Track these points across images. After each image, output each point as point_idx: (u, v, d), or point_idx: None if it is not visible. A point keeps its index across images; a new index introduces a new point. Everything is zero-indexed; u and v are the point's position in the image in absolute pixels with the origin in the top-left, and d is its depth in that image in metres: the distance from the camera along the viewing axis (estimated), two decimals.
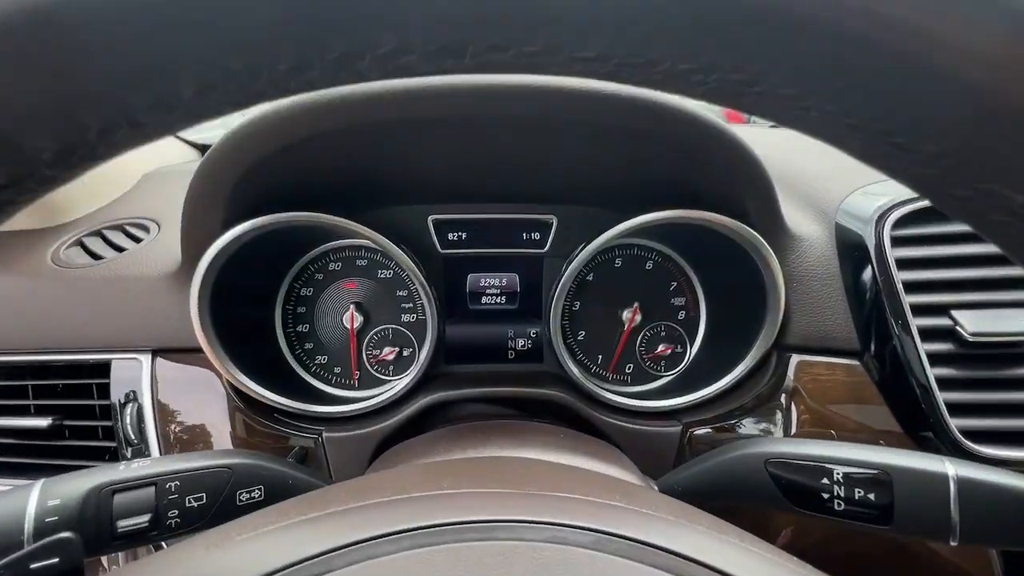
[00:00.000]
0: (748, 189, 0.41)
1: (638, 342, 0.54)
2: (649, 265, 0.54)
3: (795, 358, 0.43)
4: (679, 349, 0.54)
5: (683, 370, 0.54)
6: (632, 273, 0.54)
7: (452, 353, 0.55)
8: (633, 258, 0.54)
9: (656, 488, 0.36)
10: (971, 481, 0.27)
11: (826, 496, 0.30)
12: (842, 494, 0.29)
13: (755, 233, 0.41)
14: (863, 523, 0.29)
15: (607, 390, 0.50)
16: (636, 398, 0.50)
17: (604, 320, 0.54)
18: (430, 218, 0.52)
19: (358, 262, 0.53)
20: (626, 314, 0.53)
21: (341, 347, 0.53)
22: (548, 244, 0.53)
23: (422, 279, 0.47)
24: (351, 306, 0.52)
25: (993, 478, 0.26)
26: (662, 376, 0.54)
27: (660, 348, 0.54)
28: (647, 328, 0.54)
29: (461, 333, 0.55)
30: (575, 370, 0.50)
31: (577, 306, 0.54)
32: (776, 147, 0.54)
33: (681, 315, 0.54)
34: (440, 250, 0.53)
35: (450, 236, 0.54)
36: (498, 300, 0.55)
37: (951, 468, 0.27)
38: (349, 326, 0.52)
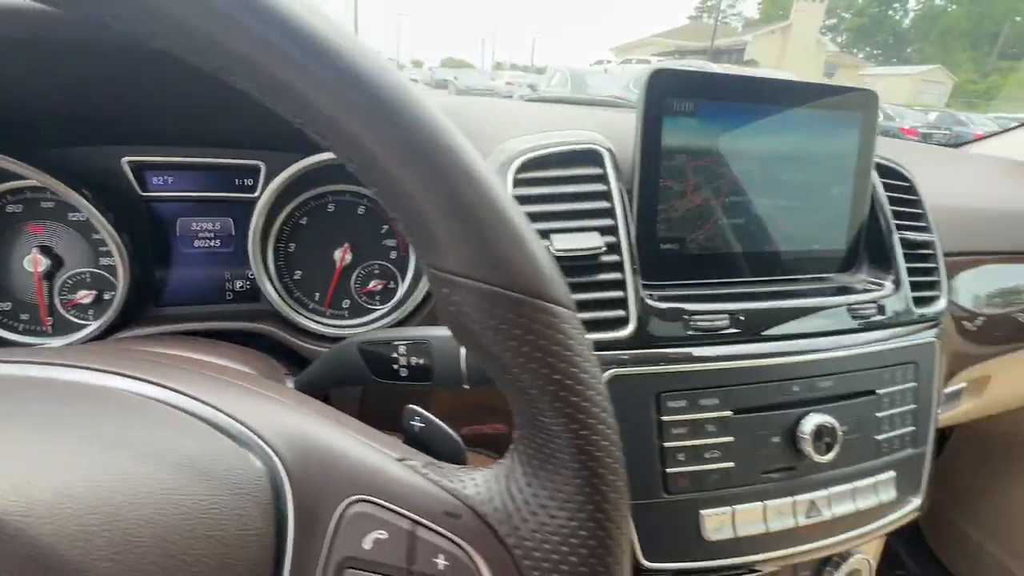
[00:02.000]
0: None
1: (352, 279, 0.60)
2: (361, 209, 0.60)
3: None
4: (391, 285, 0.61)
5: (395, 303, 0.61)
6: (344, 217, 0.59)
7: (167, 294, 0.57)
8: (345, 203, 0.59)
9: (292, 385, 0.42)
10: None
11: (395, 366, 0.38)
12: (403, 363, 0.37)
13: None
14: (418, 382, 0.37)
15: (315, 321, 0.56)
16: (347, 328, 0.56)
17: (319, 261, 0.59)
18: (124, 160, 0.53)
19: (43, 204, 0.52)
20: (337, 254, 0.58)
21: (26, 293, 0.52)
22: (259, 189, 0.57)
23: (104, 222, 0.48)
24: (34, 250, 0.51)
25: None
26: (376, 309, 0.61)
27: (372, 284, 0.60)
28: (360, 267, 0.60)
29: (174, 275, 0.57)
30: (285, 305, 0.55)
31: (292, 248, 0.58)
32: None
33: (392, 255, 0.61)
34: (140, 192, 0.54)
35: (155, 180, 0.55)
36: (212, 244, 0.58)
37: None
38: (32, 270, 0.51)
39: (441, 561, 0.22)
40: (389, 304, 0.60)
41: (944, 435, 1.45)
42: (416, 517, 0.22)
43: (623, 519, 0.23)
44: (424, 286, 0.54)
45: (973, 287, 0.72)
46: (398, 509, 0.22)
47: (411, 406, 0.29)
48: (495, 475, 0.24)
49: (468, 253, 0.20)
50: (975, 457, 1.37)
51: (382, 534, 0.22)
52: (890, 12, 54.13)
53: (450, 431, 0.28)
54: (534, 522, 0.22)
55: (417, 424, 0.28)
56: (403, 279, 0.61)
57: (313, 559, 0.22)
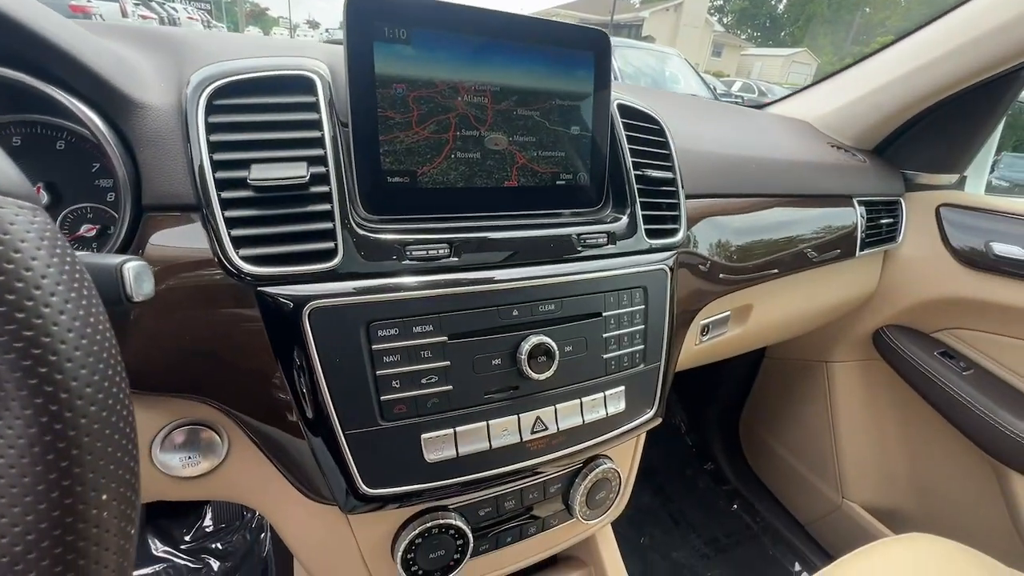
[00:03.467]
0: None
1: (57, 223, 0.53)
2: (60, 144, 0.53)
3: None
4: (110, 231, 0.55)
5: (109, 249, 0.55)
6: (39, 153, 0.52)
7: None
8: (37, 136, 0.52)
9: None
10: None
11: None
12: None
13: (60, 92, 0.43)
14: None
15: None
16: None
17: None
18: None
19: None
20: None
21: None
22: None
23: None
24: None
25: None
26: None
27: (83, 229, 0.54)
28: (67, 210, 0.53)
29: None
30: None
31: None
32: None
33: (110, 196, 0.55)
34: None
35: None
36: None
37: None
38: None
39: None
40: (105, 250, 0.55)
41: (756, 367, 1.66)
42: None
43: (103, 473, 0.20)
44: (150, 226, 0.49)
45: (715, 233, 0.80)
46: None
47: None
48: None
49: None
50: (778, 383, 1.59)
51: None
52: None
53: None
54: None
55: None
56: (124, 222, 0.55)
57: None
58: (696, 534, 1.58)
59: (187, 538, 1.33)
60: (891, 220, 1.15)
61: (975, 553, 0.91)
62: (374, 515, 0.55)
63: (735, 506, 1.68)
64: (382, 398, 0.47)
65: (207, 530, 1.34)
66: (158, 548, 1.30)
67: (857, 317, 1.29)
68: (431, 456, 0.50)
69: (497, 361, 0.52)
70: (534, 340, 0.52)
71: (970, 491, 1.23)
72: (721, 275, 0.80)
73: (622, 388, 0.60)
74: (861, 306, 1.27)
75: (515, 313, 0.53)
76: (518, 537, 0.62)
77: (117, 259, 0.32)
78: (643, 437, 0.73)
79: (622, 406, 0.60)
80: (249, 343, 0.46)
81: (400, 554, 0.54)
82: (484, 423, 0.52)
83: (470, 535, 0.56)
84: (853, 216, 1.06)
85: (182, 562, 1.29)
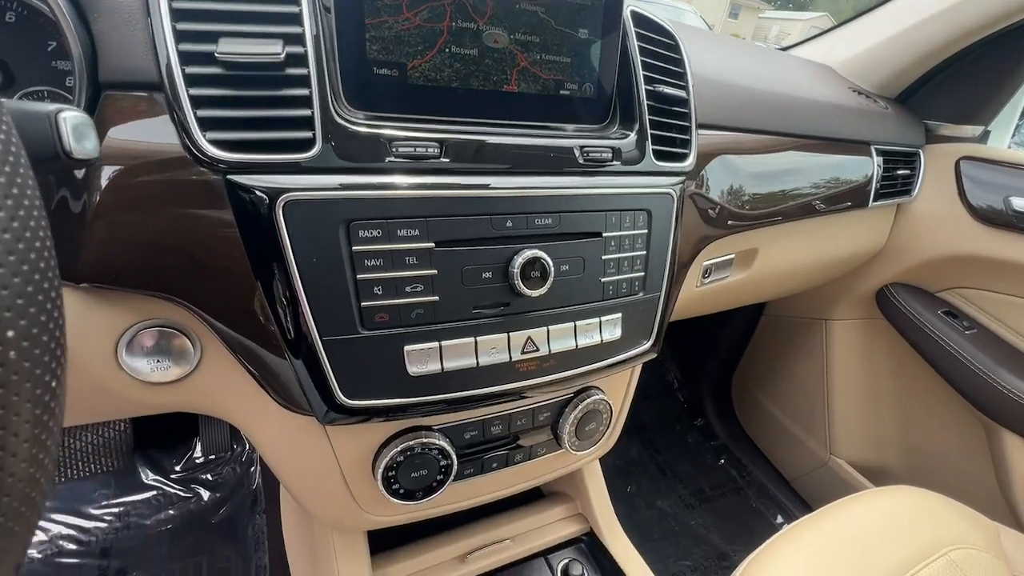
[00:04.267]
0: None
1: None
2: (10, 17, 0.47)
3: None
4: None
5: None
6: None
7: None
8: None
9: None
10: None
11: None
12: None
13: None
14: None
15: None
16: None
17: None
18: None
19: None
20: None
21: None
22: None
23: None
24: None
25: None
26: None
27: None
28: (19, 93, 0.48)
29: None
30: None
31: None
32: None
33: (68, 81, 0.50)
34: None
35: None
36: None
37: None
38: None
39: None
40: None
41: (753, 326, 1.64)
42: None
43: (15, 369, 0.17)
44: (110, 108, 0.44)
45: (727, 173, 0.75)
46: None
47: None
48: None
49: None
50: (775, 341, 1.57)
51: None
52: None
53: None
54: None
55: None
56: (80, 102, 0.50)
57: None
58: (682, 484, 1.60)
59: (177, 468, 1.33)
60: (908, 172, 1.10)
61: (958, 505, 0.91)
62: (355, 431, 0.53)
63: (722, 460, 1.69)
64: (363, 304, 0.44)
65: (197, 461, 1.35)
66: (148, 477, 1.30)
67: (862, 274, 1.26)
68: (414, 369, 0.47)
69: (488, 274, 0.49)
70: (528, 254, 0.49)
71: (958, 450, 1.24)
72: (730, 217, 0.76)
73: (619, 315, 0.58)
74: (867, 262, 1.23)
75: (509, 224, 0.49)
76: (503, 464, 0.61)
77: (51, 107, 0.28)
78: (637, 372, 0.70)
79: (618, 333, 0.58)
80: (220, 240, 0.43)
81: (381, 471, 0.52)
82: (472, 339, 0.49)
83: (454, 456, 0.54)
84: (869, 165, 1.01)
85: (172, 491, 1.30)
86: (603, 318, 0.56)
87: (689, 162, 0.62)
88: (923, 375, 1.25)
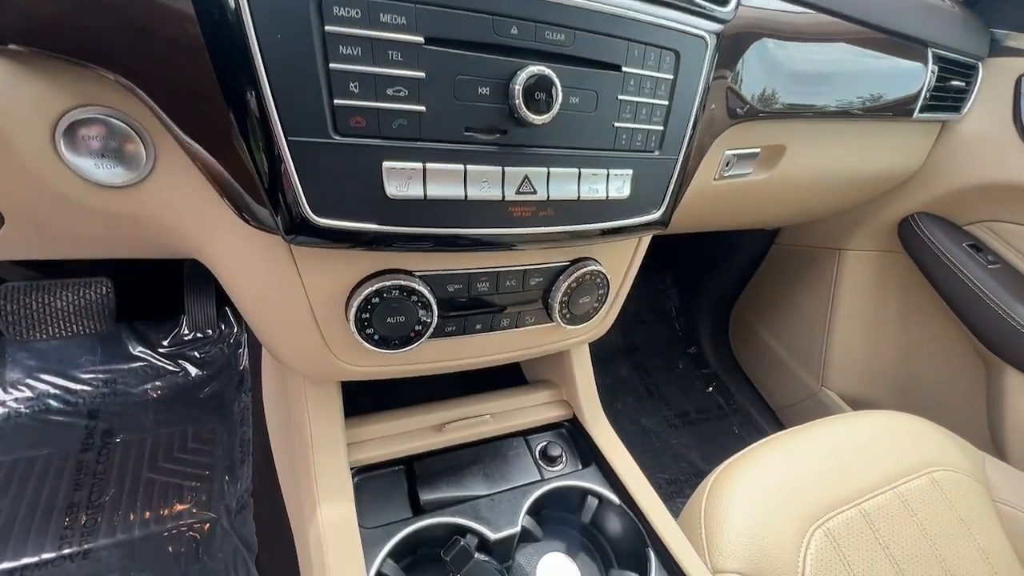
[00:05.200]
0: None
1: None
2: None
3: None
4: None
5: None
6: None
7: None
8: None
9: None
10: None
11: None
12: None
13: None
14: None
15: None
16: None
17: None
18: None
19: None
20: None
21: None
22: None
23: None
24: None
25: None
26: None
27: None
28: None
29: None
30: None
31: None
32: None
33: None
34: None
35: None
36: None
37: None
38: None
39: None
40: None
41: (761, 257, 1.58)
42: None
43: None
44: None
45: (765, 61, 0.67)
46: None
47: None
48: None
49: None
50: (782, 271, 1.52)
51: None
52: None
53: None
54: None
55: None
56: None
57: None
58: (668, 407, 1.61)
59: (165, 343, 1.33)
60: (962, 85, 1.00)
61: (946, 431, 0.89)
62: (327, 266, 0.48)
63: (711, 388, 1.70)
64: (336, 102, 0.38)
65: (185, 338, 1.34)
66: (135, 348, 1.30)
67: (887, 201, 1.18)
68: (394, 191, 0.41)
69: (484, 90, 0.42)
70: (534, 70, 0.42)
71: (952, 387, 1.22)
72: (762, 101, 0.68)
73: (629, 171, 0.51)
74: (895, 190, 1.15)
75: (514, 31, 0.41)
76: (488, 327, 0.57)
77: None
78: (641, 250, 0.65)
79: (626, 192, 0.52)
80: (169, 6, 0.36)
81: (354, 312, 0.48)
82: (461, 166, 0.43)
83: (434, 305, 0.50)
84: (922, 72, 0.91)
85: (160, 364, 1.30)
86: (612, 171, 0.50)
87: (730, 8, 0.53)
88: (931, 310, 1.21)
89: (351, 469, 0.62)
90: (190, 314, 1.31)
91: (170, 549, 1.01)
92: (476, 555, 0.56)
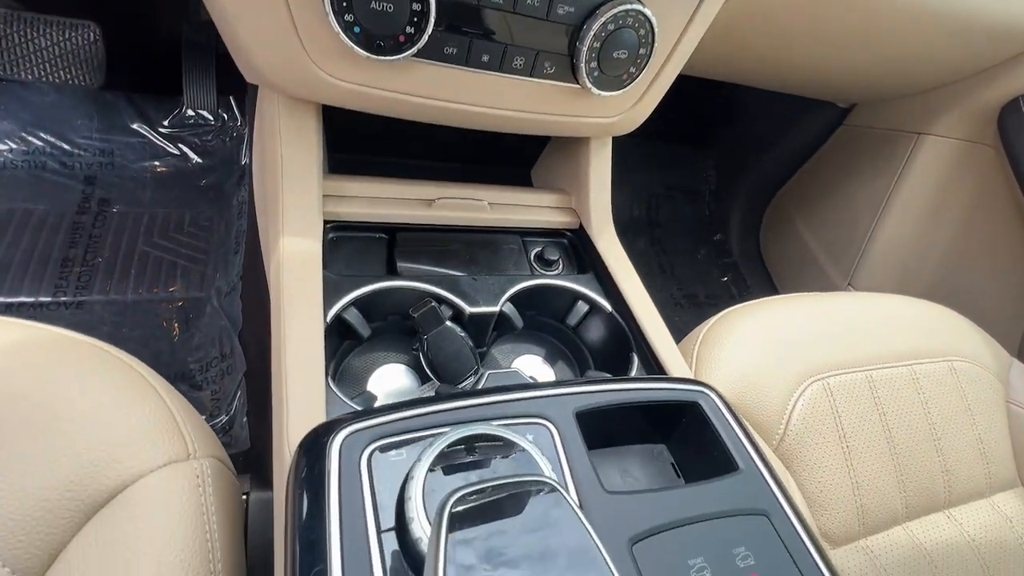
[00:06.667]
0: None
1: None
2: None
3: None
4: None
5: None
6: None
7: None
8: None
9: None
10: None
11: None
12: None
13: None
14: None
15: None
16: None
17: None
18: None
19: None
20: None
21: None
22: None
23: None
24: None
25: None
26: None
27: None
28: None
29: None
30: None
31: None
32: None
33: None
34: None
35: None
36: None
37: None
38: None
39: None
40: None
41: (824, 138, 1.40)
42: None
43: None
44: None
45: None
46: None
47: None
48: None
49: None
50: (841, 156, 1.35)
51: None
52: None
53: None
54: None
55: None
56: None
57: None
58: (678, 286, 1.55)
59: (165, 123, 1.25)
60: None
61: (980, 329, 0.81)
62: None
63: (726, 278, 1.62)
64: None
65: (186, 121, 1.26)
66: (133, 122, 1.23)
67: (994, 76, 0.99)
68: None
69: None
70: None
71: (1002, 304, 1.12)
72: None
73: None
74: (1006, 63, 0.95)
75: None
76: (497, 64, 0.47)
77: None
78: (706, 9, 0.51)
79: None
80: None
81: None
82: None
83: (432, 2, 0.40)
84: None
85: (159, 143, 1.24)
86: None
87: None
88: (1003, 218, 1.07)
89: (327, 223, 0.56)
90: (188, 93, 1.21)
91: (160, 316, 1.03)
92: (448, 323, 0.51)
